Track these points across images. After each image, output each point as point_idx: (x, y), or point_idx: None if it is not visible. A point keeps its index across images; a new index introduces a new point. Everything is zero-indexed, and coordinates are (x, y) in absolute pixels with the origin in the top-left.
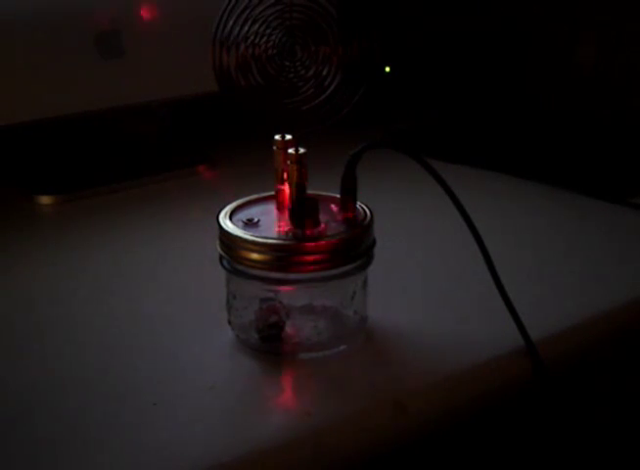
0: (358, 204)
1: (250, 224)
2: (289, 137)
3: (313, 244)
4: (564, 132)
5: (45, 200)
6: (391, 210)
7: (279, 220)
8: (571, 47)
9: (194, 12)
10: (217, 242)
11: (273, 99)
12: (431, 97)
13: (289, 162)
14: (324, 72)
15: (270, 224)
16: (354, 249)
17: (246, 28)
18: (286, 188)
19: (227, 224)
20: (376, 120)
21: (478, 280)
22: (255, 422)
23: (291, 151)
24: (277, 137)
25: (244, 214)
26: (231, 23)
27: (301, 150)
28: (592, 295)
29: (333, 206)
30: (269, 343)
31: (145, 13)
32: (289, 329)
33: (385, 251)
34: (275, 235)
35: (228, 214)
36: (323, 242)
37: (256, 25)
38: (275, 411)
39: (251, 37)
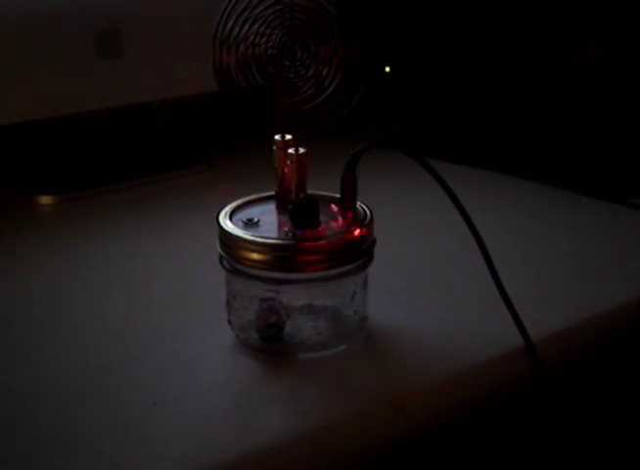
0: (358, 204)
1: (250, 224)
2: (289, 137)
3: (313, 244)
4: (564, 132)
5: (45, 200)
6: (391, 210)
7: (279, 220)
8: (571, 47)
9: (194, 11)
10: (217, 242)
11: (273, 99)
12: (431, 97)
13: (289, 162)
14: (324, 72)
15: (270, 224)
16: (354, 249)
17: (246, 28)
18: (286, 188)
19: (227, 224)
20: (376, 121)
21: (478, 280)
22: (255, 422)
23: (291, 151)
24: (277, 137)
25: (244, 214)
26: (231, 23)
27: (301, 150)
28: (592, 295)
29: (333, 206)
30: (269, 343)
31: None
32: (289, 329)
33: (385, 251)
34: (275, 235)
35: (228, 214)
36: (323, 242)
37: (256, 25)
38: (275, 411)
39: (251, 37)
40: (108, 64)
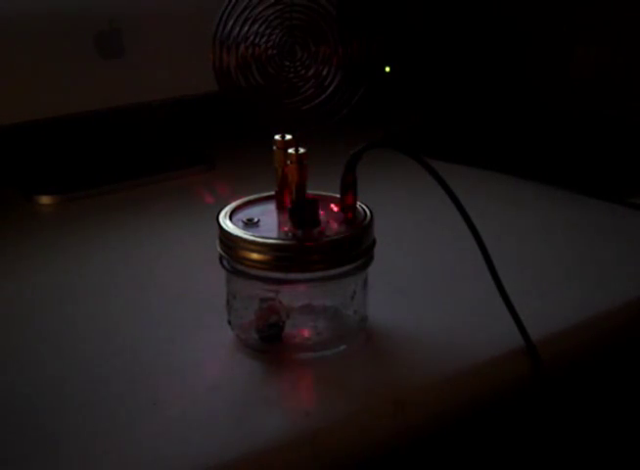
0: (358, 204)
1: (250, 224)
2: (289, 137)
3: (313, 244)
4: (564, 132)
5: (45, 200)
6: (391, 210)
7: (279, 220)
8: (570, 47)
9: (194, 11)
10: (217, 242)
11: (273, 99)
12: (431, 97)
13: (289, 162)
14: (324, 72)
15: (270, 224)
16: (354, 249)
17: (246, 28)
18: (286, 188)
19: (227, 224)
20: (376, 120)
21: (478, 280)
22: (255, 422)
23: (291, 151)
24: (277, 137)
25: (244, 214)
26: (231, 23)
27: (301, 150)
28: (592, 295)
29: (333, 206)
30: (269, 343)
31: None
32: (289, 329)
33: (385, 251)
34: (275, 235)
35: (228, 214)
36: (323, 242)
37: (256, 25)
38: (274, 411)
39: (251, 37)
40: (108, 64)
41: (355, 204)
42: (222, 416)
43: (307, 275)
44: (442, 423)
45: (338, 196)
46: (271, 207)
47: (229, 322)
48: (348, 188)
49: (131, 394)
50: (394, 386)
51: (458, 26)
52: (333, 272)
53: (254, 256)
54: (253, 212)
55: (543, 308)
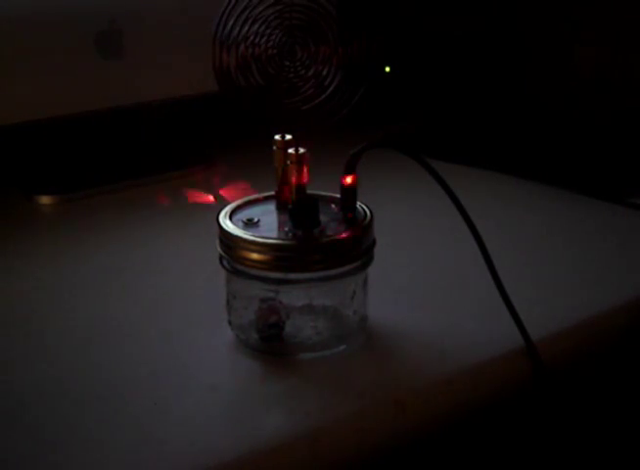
0: (358, 204)
1: (250, 224)
2: (289, 137)
3: (313, 244)
4: (564, 132)
5: (45, 200)
6: (391, 210)
7: (279, 220)
8: (570, 47)
9: (194, 11)
10: (217, 242)
11: (273, 99)
12: (431, 97)
13: (289, 162)
14: (324, 72)
15: (270, 224)
16: (354, 249)
17: (246, 28)
18: (286, 188)
19: (227, 224)
20: (376, 120)
21: (478, 280)
22: (255, 422)
23: (291, 151)
24: (277, 137)
25: (244, 214)
26: (231, 23)
27: (301, 150)
28: (592, 295)
29: (333, 206)
30: (269, 343)
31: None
32: (289, 329)
33: (385, 250)
34: (275, 235)
35: (228, 214)
36: (323, 242)
37: (256, 25)
38: (274, 411)
39: (251, 37)
40: (108, 64)
41: (355, 204)
42: (222, 416)
43: (307, 275)
44: (442, 423)
45: (338, 196)
46: (271, 207)
47: (229, 322)
48: (348, 188)
49: (132, 394)
50: (394, 386)
51: (458, 26)
52: (333, 272)
53: (254, 255)
54: (253, 212)
55: (543, 308)
